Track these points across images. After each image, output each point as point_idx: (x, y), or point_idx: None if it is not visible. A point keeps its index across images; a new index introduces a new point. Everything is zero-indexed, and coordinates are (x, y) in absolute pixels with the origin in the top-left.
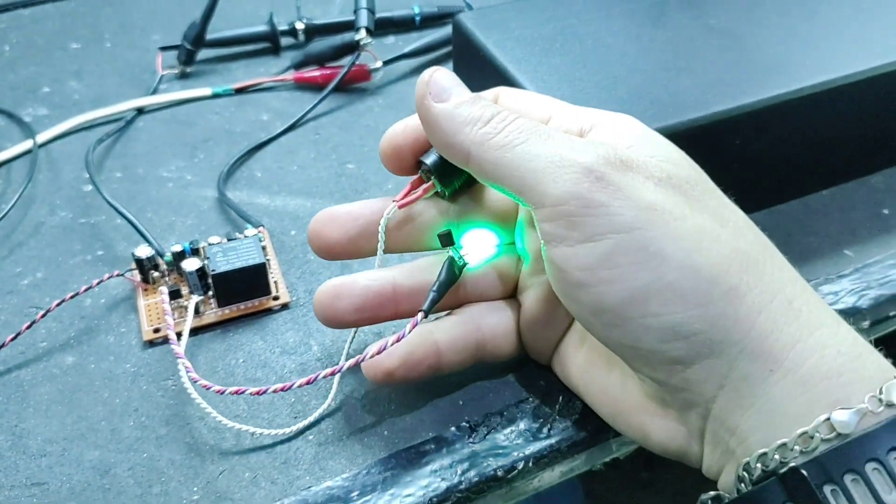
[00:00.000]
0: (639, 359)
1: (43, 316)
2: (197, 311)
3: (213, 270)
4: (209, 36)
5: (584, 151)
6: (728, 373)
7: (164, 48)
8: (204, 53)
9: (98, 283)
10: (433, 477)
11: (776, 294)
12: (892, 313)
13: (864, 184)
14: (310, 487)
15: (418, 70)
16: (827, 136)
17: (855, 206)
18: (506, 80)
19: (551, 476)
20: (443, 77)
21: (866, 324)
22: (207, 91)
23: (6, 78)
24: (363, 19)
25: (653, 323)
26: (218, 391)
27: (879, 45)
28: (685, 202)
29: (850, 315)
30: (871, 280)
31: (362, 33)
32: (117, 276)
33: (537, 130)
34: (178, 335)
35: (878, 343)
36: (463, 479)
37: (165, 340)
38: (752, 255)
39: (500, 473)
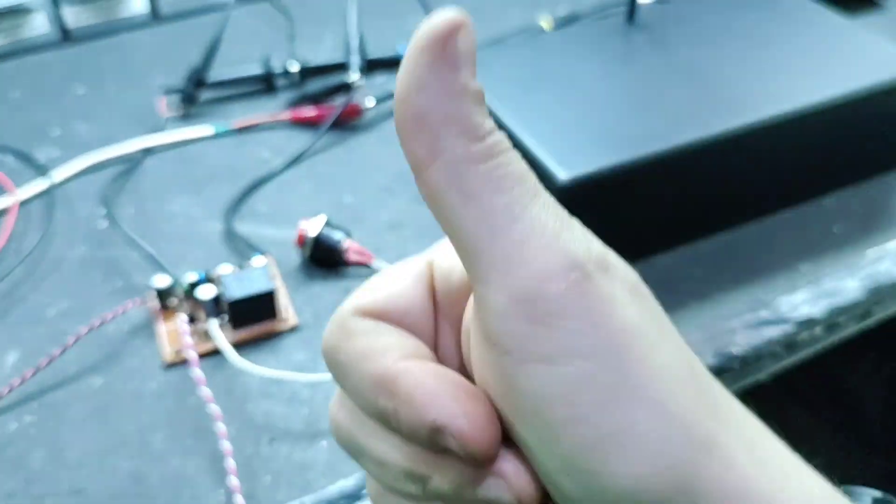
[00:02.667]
0: None
1: (74, 341)
2: (212, 335)
3: (228, 297)
4: (209, 78)
5: (578, 239)
6: None
7: (167, 92)
8: (204, 95)
9: (122, 311)
10: None
11: (738, 443)
12: (841, 320)
13: (816, 205)
14: (326, 487)
15: None
16: (782, 162)
17: (809, 226)
18: (490, 116)
19: None
20: (468, 42)
21: (819, 330)
22: (210, 130)
23: (18, 121)
24: (355, 62)
25: (608, 484)
26: None
27: (828, 80)
28: (653, 319)
29: (805, 323)
30: (823, 291)
31: (355, 75)
32: (139, 304)
33: (532, 186)
34: (198, 356)
35: (850, 346)
36: None
37: (185, 362)
38: (713, 394)
39: None
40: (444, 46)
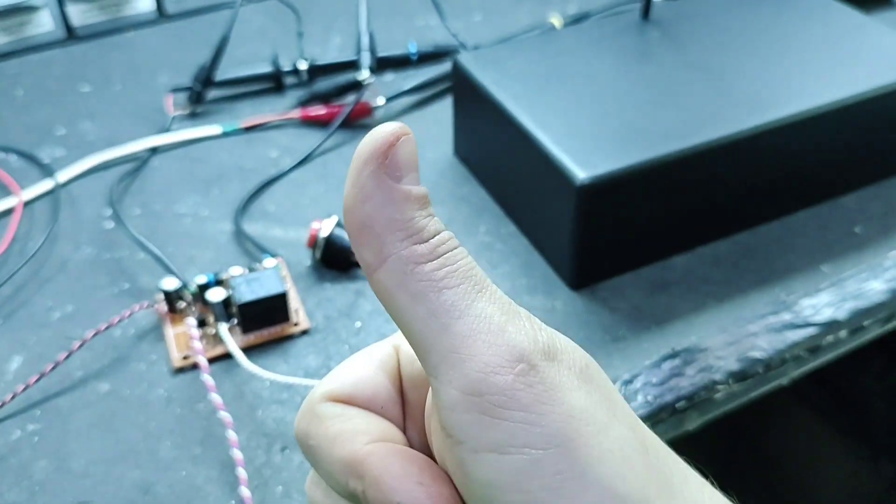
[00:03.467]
0: None
1: (80, 346)
2: (222, 339)
3: (238, 300)
4: (217, 76)
5: (522, 329)
6: None
7: (174, 90)
8: (212, 94)
9: (129, 315)
10: None
11: None
12: (866, 323)
13: (837, 204)
14: None
15: (418, 105)
16: (802, 161)
17: (829, 226)
18: (503, 116)
19: None
20: (408, 152)
21: (844, 333)
22: (217, 129)
23: (22, 121)
24: (365, 60)
25: None
26: None
27: (847, 78)
28: (601, 402)
29: (829, 326)
30: (846, 293)
31: (365, 73)
32: (146, 307)
33: (478, 281)
34: (207, 361)
35: (858, 351)
36: None
37: (194, 366)
38: (663, 473)
39: None
40: (385, 157)
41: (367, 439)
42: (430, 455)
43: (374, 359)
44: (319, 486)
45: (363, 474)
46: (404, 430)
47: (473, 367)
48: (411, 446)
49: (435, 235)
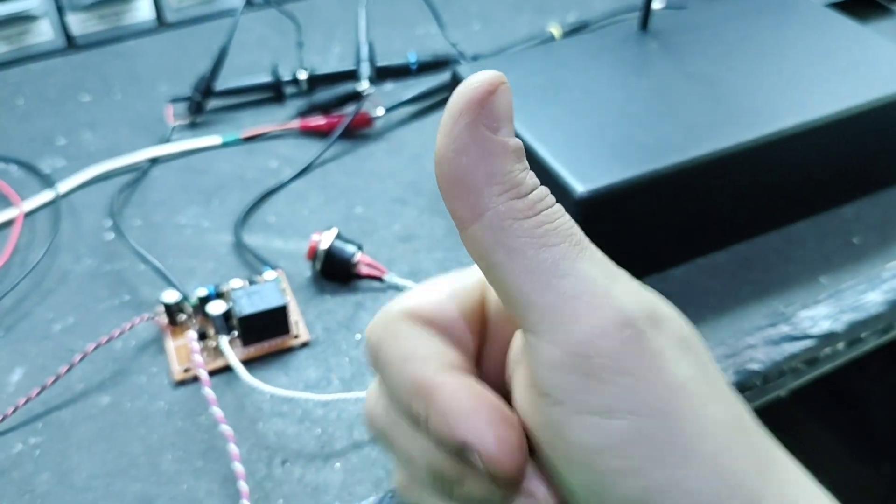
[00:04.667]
0: None
1: (81, 359)
2: (223, 352)
3: (239, 313)
4: (217, 86)
5: (628, 292)
6: None
7: (174, 100)
8: (212, 103)
9: (130, 327)
10: None
11: (784, 499)
12: (863, 335)
13: (835, 215)
14: None
15: (418, 115)
16: (800, 173)
17: (827, 236)
18: None
19: None
20: (505, 102)
21: (841, 345)
22: (217, 140)
23: (22, 130)
24: (365, 70)
25: None
26: None
27: (845, 89)
28: (702, 374)
29: (826, 338)
30: (845, 305)
31: (364, 84)
32: (147, 319)
33: (578, 240)
34: (208, 374)
35: (854, 363)
36: None
37: (195, 379)
38: (762, 448)
39: None
40: (482, 107)
41: (439, 367)
42: (503, 394)
43: (458, 287)
44: (380, 400)
45: (431, 402)
46: (478, 363)
47: (580, 328)
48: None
49: (533, 190)
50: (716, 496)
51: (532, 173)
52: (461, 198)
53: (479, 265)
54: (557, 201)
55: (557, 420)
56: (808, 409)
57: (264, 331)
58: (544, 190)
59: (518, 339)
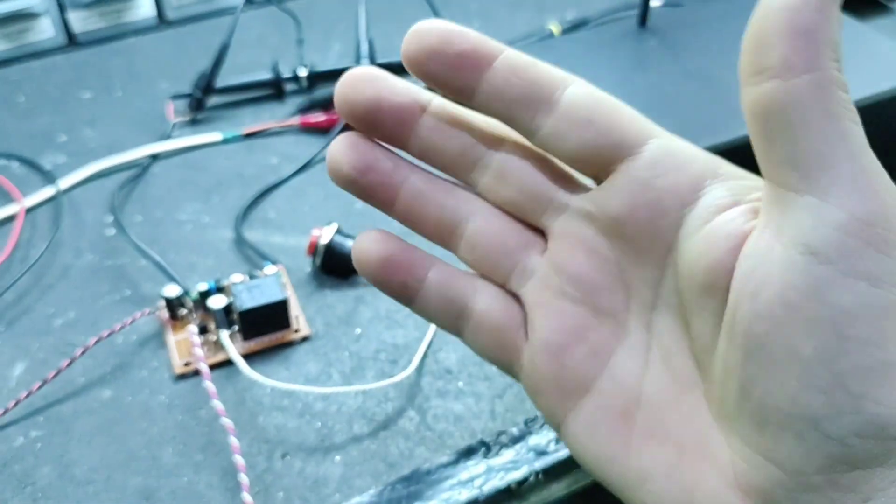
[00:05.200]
0: (796, 438)
1: (82, 353)
2: (223, 346)
3: (239, 307)
4: (217, 83)
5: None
6: (889, 485)
7: (174, 97)
8: (212, 100)
9: (131, 322)
10: (453, 491)
11: None
12: None
13: None
14: (340, 503)
15: None
16: None
17: None
18: None
19: (559, 488)
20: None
21: None
22: (218, 136)
23: (23, 128)
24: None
25: (866, 408)
26: None
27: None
28: None
29: None
30: None
31: None
32: (148, 314)
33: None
34: (209, 367)
35: None
36: (480, 491)
37: (196, 373)
38: None
39: (513, 486)
40: None
41: None
42: None
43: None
44: None
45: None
46: None
47: (875, 199)
48: None
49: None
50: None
51: None
52: (800, 47)
53: (767, 121)
54: None
55: (821, 277)
56: None
57: (265, 325)
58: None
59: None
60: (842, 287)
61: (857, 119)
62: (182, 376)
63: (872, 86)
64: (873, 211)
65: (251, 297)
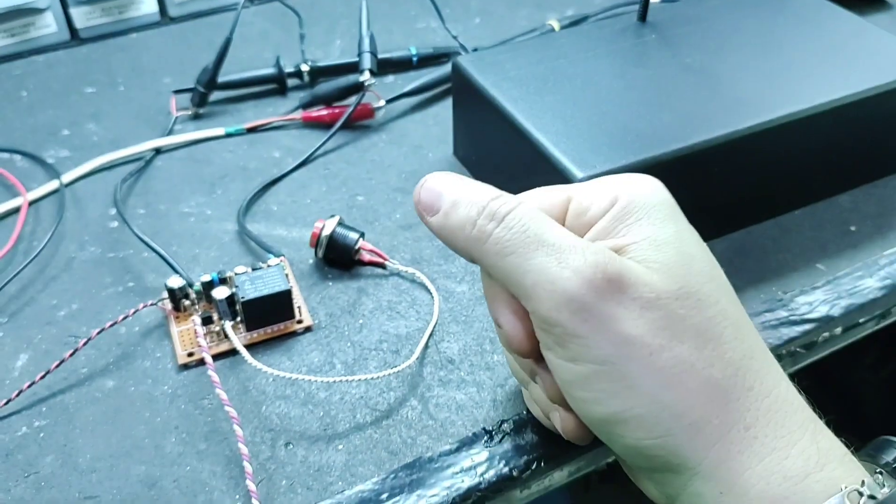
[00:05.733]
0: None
1: (85, 343)
2: (227, 336)
3: (242, 297)
4: (220, 78)
5: (571, 274)
6: (683, 488)
7: (177, 91)
8: (215, 95)
9: (134, 313)
10: (455, 478)
11: (735, 424)
12: (861, 320)
13: (832, 203)
14: (343, 491)
15: (419, 107)
16: (796, 162)
17: (825, 225)
18: (502, 116)
19: (560, 476)
20: (430, 188)
21: (839, 330)
22: (221, 131)
23: (26, 122)
24: (367, 62)
25: (620, 441)
26: None
27: (841, 79)
28: (667, 328)
29: (824, 323)
30: (842, 290)
31: (366, 75)
32: (151, 305)
33: (525, 239)
34: (212, 357)
35: (852, 347)
36: (482, 479)
37: (199, 363)
38: (721, 385)
39: (515, 473)
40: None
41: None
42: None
43: (552, 197)
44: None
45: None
46: None
47: (542, 309)
48: None
49: (480, 214)
50: (656, 422)
51: (475, 201)
52: (461, 253)
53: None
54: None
55: (547, 359)
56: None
57: (268, 315)
58: (482, 203)
59: None
60: (558, 366)
61: (513, 245)
62: (185, 366)
63: (870, 79)
64: (544, 318)
65: (254, 287)
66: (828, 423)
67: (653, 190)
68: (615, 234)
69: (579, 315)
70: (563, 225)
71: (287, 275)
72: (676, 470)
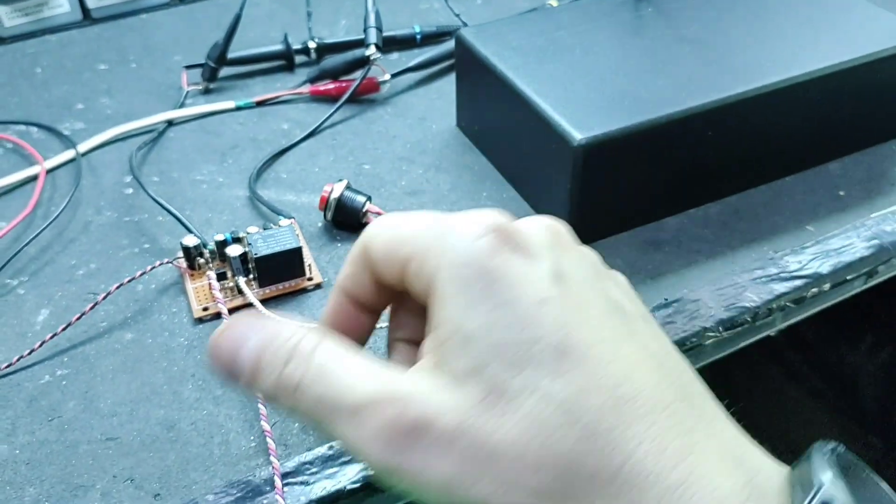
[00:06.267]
0: None
1: (104, 298)
2: (241, 292)
3: (255, 254)
4: (230, 55)
5: (370, 441)
6: None
7: (188, 66)
8: (224, 71)
9: (151, 269)
10: None
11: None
12: (849, 277)
13: (822, 170)
14: None
15: (423, 82)
16: (788, 128)
17: (815, 190)
18: (506, 85)
19: None
20: (215, 355)
21: (827, 286)
22: (231, 104)
23: (42, 97)
24: (372, 37)
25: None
26: None
27: (832, 48)
28: (477, 454)
29: (814, 280)
30: (830, 250)
31: (372, 49)
32: (167, 263)
33: (320, 410)
34: (228, 311)
35: (850, 316)
36: None
37: (213, 317)
38: (549, 493)
39: None
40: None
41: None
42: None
43: (385, 270)
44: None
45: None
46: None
47: (367, 461)
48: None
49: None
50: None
51: (239, 347)
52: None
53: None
54: (557, 150)
55: None
56: (801, 386)
57: (280, 272)
58: (251, 355)
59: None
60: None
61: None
62: (200, 320)
63: (859, 48)
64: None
65: (266, 245)
66: (827, 409)
67: (467, 245)
68: (437, 325)
69: (395, 475)
70: (411, 296)
71: (297, 235)
72: None
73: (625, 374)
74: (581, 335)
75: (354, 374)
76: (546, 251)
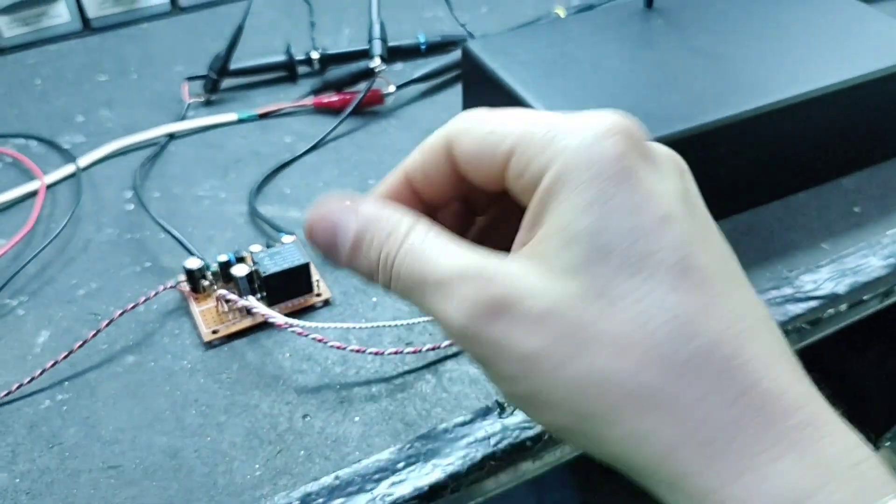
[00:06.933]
0: None
1: (107, 324)
2: (250, 312)
3: (264, 272)
4: (231, 66)
5: (454, 311)
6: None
7: (190, 78)
8: (226, 82)
9: (154, 295)
10: (470, 448)
11: (687, 438)
12: (865, 297)
13: (837, 185)
14: (360, 461)
15: (428, 93)
16: (802, 143)
17: (830, 206)
18: (514, 99)
19: (572, 447)
20: (313, 234)
21: (844, 307)
22: (233, 116)
23: (41, 109)
24: (377, 48)
25: (529, 415)
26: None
27: (844, 62)
28: (573, 336)
29: (829, 300)
30: (846, 269)
31: (377, 61)
32: (170, 287)
33: (411, 286)
34: (233, 335)
35: (858, 325)
36: (496, 449)
37: (218, 340)
38: (656, 395)
39: (528, 444)
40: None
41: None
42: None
43: (485, 160)
44: None
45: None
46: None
47: (448, 335)
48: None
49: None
50: (584, 433)
51: (348, 228)
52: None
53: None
54: None
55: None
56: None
57: (289, 289)
58: (355, 236)
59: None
60: (476, 360)
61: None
62: (205, 343)
63: (873, 62)
64: (455, 339)
65: (274, 262)
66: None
67: (591, 144)
68: (539, 223)
69: (475, 343)
70: (504, 185)
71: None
72: (640, 479)
73: (745, 311)
74: (703, 261)
75: (445, 252)
76: (673, 168)
